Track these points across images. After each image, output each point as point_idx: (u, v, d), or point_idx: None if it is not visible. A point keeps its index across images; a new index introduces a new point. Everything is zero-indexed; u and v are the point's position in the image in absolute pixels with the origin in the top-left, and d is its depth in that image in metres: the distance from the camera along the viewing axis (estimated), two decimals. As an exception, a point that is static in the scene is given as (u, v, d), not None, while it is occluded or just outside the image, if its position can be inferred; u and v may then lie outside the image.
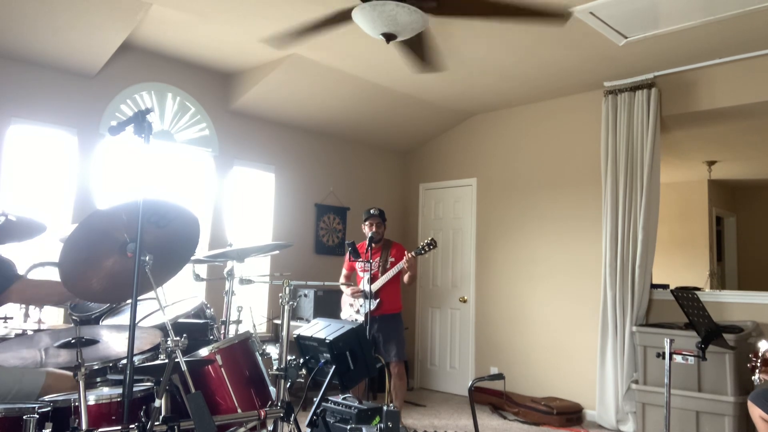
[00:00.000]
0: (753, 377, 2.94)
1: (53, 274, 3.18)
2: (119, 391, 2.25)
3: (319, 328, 3.32)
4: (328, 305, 5.49)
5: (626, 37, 4.35)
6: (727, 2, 3.77)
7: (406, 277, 4.55)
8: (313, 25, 4.05)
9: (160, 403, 2.08)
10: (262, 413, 2.44)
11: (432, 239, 4.52)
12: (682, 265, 8.39)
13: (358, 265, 4.72)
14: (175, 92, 5.19)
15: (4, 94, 4.30)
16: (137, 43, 4.76)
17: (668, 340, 3.43)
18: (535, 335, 5.77)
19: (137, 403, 2.21)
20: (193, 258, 2.76)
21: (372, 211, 4.67)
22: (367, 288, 4.47)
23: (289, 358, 2.79)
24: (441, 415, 5.37)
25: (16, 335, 3.16)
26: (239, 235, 5.63)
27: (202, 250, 4.48)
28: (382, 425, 2.82)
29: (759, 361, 2.92)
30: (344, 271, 4.93)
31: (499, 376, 3.85)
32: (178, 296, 3.65)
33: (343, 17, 3.81)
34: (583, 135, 5.60)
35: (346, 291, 4.75)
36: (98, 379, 2.46)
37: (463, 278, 6.44)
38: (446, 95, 5.85)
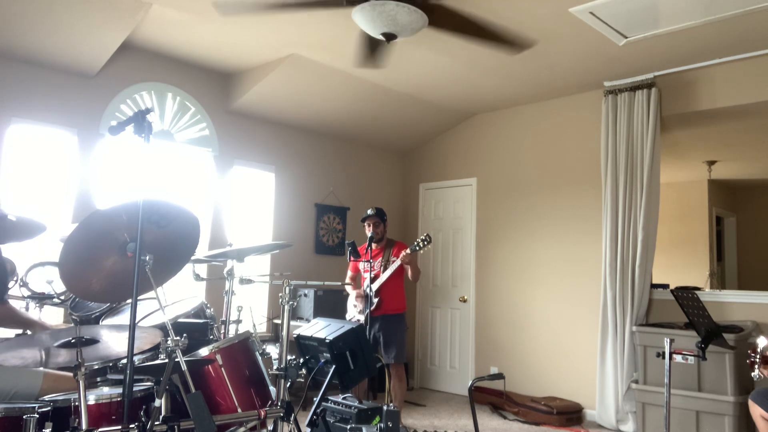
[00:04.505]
0: (752, 373, 2.95)
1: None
2: (119, 390, 2.25)
3: (319, 328, 3.33)
4: (328, 305, 5.50)
5: (626, 37, 4.35)
6: (727, 2, 3.77)
7: (409, 274, 4.57)
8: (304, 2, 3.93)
9: (160, 403, 2.08)
10: (262, 413, 2.44)
11: (427, 235, 4.55)
12: (682, 265, 8.39)
13: (362, 266, 4.73)
14: (175, 92, 5.19)
15: (4, 94, 4.31)
16: (137, 43, 4.76)
17: (668, 340, 3.43)
18: (535, 335, 5.77)
19: (137, 403, 2.21)
20: (193, 258, 2.76)
21: (369, 212, 4.69)
22: (368, 288, 4.48)
23: (289, 358, 2.79)
24: (441, 415, 5.37)
25: (16, 335, 3.16)
26: (239, 234, 5.63)
27: (202, 250, 4.48)
28: (382, 425, 2.82)
29: (758, 357, 2.93)
30: (349, 273, 4.93)
31: (499, 376, 3.85)
32: (178, 296, 3.65)
33: (332, 3, 3.75)
34: (583, 135, 5.60)
35: (352, 293, 4.76)
36: (98, 379, 2.46)
37: (463, 278, 6.44)
38: (446, 95, 5.84)
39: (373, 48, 4.34)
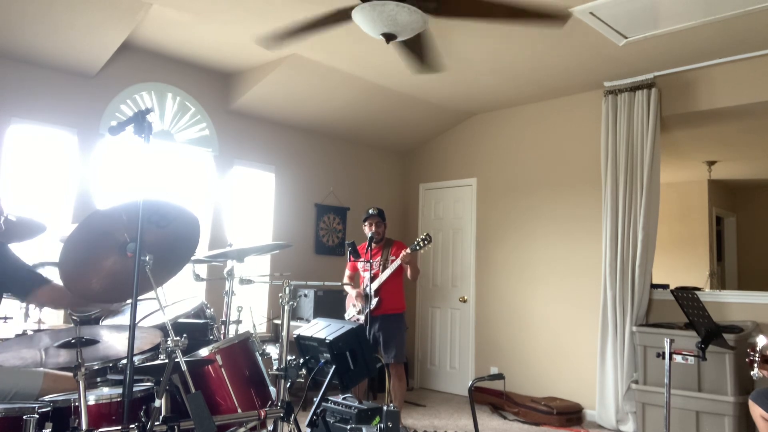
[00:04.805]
0: (751, 372, 2.95)
1: (53, 274, 3.17)
2: (119, 391, 2.25)
3: (319, 328, 3.33)
4: (328, 305, 5.49)
5: (626, 37, 4.35)
6: (727, 2, 3.77)
7: (408, 273, 4.58)
8: (310, 24, 4.01)
9: (160, 403, 2.08)
10: (262, 413, 2.44)
11: (427, 234, 4.55)
12: (682, 265, 8.39)
13: (360, 265, 4.73)
14: (175, 92, 5.19)
15: (4, 94, 4.30)
16: (137, 43, 4.76)
17: (668, 340, 3.43)
18: (535, 335, 5.77)
19: (137, 403, 2.21)
20: (193, 258, 2.75)
21: (371, 211, 4.69)
22: (367, 288, 4.48)
23: (289, 358, 2.79)
24: (441, 415, 5.37)
25: (16, 335, 3.16)
26: (239, 235, 5.63)
27: (202, 250, 4.48)
28: (382, 425, 2.82)
29: (757, 355, 2.93)
30: (347, 272, 4.93)
31: (499, 376, 3.86)
32: (178, 296, 3.65)
33: (341, 17, 3.79)
34: (583, 135, 5.60)
35: (351, 292, 4.76)
36: (98, 379, 2.46)
37: (463, 278, 6.44)
38: (446, 95, 5.85)
39: (418, 51, 4.28)
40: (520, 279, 5.96)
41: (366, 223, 4.67)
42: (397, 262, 4.49)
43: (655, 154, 4.97)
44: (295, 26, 4.04)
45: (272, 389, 2.70)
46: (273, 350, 4.63)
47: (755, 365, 2.94)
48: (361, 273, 4.73)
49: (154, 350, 2.58)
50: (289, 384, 2.67)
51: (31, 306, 3.26)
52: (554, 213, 5.76)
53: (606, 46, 4.53)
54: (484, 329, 6.17)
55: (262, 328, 5.64)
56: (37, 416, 1.91)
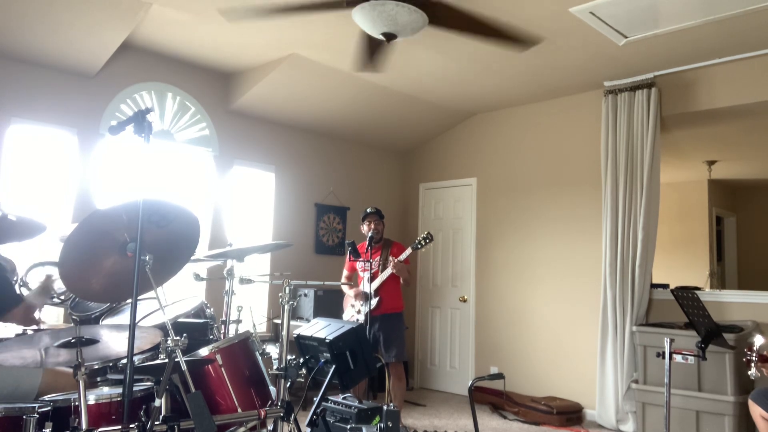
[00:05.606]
0: (749, 371, 2.96)
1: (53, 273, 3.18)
2: (119, 390, 2.25)
3: (319, 328, 3.33)
4: (328, 305, 5.50)
5: (626, 37, 4.35)
6: (727, 2, 3.77)
7: (401, 281, 4.59)
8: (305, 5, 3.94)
9: (160, 402, 2.08)
10: (262, 413, 2.44)
11: (428, 233, 4.55)
12: (682, 265, 8.39)
13: (359, 265, 4.73)
14: (175, 92, 5.19)
15: (4, 94, 4.31)
16: (137, 43, 4.76)
17: (668, 340, 3.42)
18: (535, 335, 5.77)
19: (137, 402, 2.21)
20: (193, 258, 2.75)
21: (368, 210, 4.70)
22: (367, 288, 4.48)
23: (289, 357, 2.79)
24: (441, 414, 5.37)
25: (16, 335, 3.15)
26: (239, 234, 5.63)
27: (202, 250, 4.48)
28: (382, 425, 2.82)
29: (754, 355, 2.94)
30: (345, 272, 4.93)
31: (499, 376, 3.86)
32: (178, 296, 3.65)
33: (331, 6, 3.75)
34: (583, 135, 5.60)
35: (349, 292, 4.76)
36: (98, 379, 2.46)
37: (463, 278, 6.44)
38: (446, 95, 5.84)
39: (373, 51, 4.33)
40: (520, 279, 5.96)
41: (365, 222, 4.67)
42: (388, 270, 4.49)
43: (655, 154, 4.97)
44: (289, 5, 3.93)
45: (272, 389, 2.70)
46: (273, 350, 4.63)
47: (752, 365, 2.94)
48: (360, 273, 4.73)
49: (154, 350, 2.58)
50: (289, 384, 2.67)
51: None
52: (554, 213, 5.76)
53: (606, 46, 4.53)
54: (484, 329, 6.17)
55: (262, 328, 5.64)
56: (37, 416, 1.91)
